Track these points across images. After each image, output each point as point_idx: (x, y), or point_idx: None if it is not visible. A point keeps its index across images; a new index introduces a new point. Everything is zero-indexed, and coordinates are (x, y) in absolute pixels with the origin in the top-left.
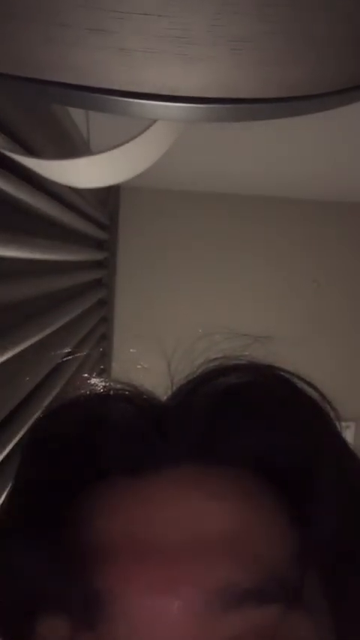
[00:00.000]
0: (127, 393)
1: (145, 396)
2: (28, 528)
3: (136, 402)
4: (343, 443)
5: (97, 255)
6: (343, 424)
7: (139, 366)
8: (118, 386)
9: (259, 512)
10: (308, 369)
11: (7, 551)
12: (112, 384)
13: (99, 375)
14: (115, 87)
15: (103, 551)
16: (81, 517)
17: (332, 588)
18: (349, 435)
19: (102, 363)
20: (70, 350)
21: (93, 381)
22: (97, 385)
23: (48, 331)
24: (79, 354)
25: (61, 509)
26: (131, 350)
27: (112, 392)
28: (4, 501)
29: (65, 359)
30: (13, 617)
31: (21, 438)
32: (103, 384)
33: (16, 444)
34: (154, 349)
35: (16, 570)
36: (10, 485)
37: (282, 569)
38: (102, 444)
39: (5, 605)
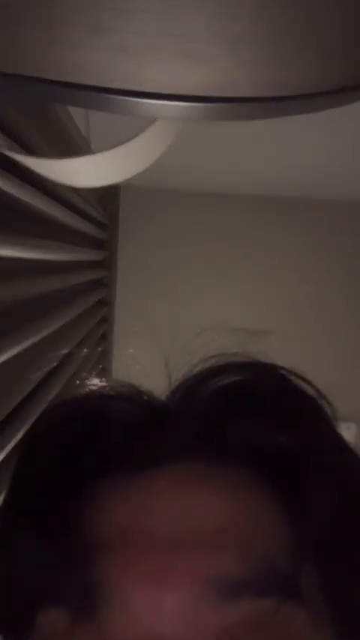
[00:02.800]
0: (127, 392)
1: (145, 396)
2: (28, 522)
3: (136, 401)
4: (339, 437)
5: (97, 255)
6: (344, 424)
7: (137, 366)
8: (119, 386)
9: (255, 506)
10: (308, 369)
11: (7, 544)
12: (112, 383)
13: (99, 375)
14: (115, 86)
15: (101, 542)
16: (81, 511)
17: (329, 582)
18: (350, 435)
19: (102, 363)
20: (69, 350)
21: (93, 381)
22: (97, 385)
23: (48, 331)
24: (79, 354)
25: (61, 503)
26: (130, 350)
27: (112, 391)
28: (5, 496)
29: (65, 359)
30: (13, 612)
31: (21, 438)
32: (104, 383)
33: (17, 444)
34: (153, 348)
35: (15, 563)
36: (10, 480)
37: (278, 562)
38: (103, 441)
39: (6, 600)
